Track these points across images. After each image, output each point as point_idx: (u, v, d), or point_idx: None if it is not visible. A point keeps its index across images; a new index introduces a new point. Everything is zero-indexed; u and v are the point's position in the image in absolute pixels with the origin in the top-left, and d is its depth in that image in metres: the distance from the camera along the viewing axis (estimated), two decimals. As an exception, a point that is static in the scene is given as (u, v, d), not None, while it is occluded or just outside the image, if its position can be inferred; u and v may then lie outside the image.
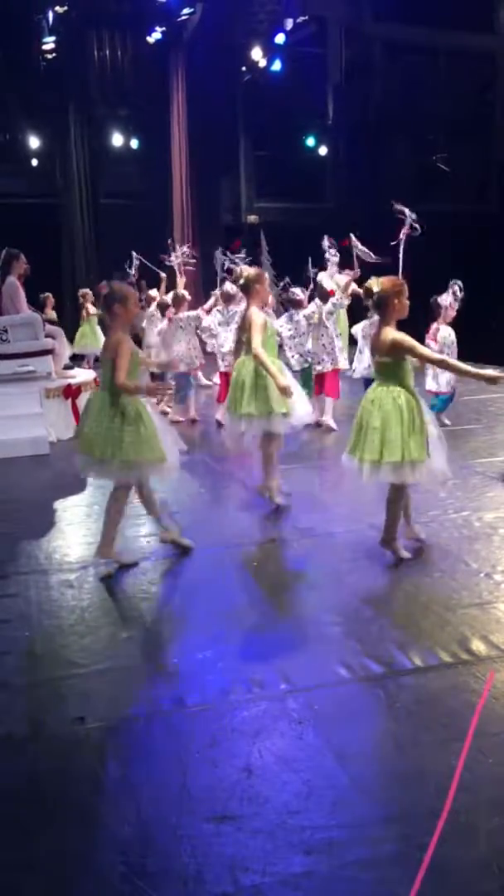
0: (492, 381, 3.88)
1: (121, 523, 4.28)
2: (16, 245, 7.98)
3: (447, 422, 7.25)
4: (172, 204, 15.79)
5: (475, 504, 5.11)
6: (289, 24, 14.72)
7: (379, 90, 17.18)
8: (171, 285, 9.61)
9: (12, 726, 2.79)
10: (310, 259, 8.22)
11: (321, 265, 8.77)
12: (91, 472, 4.39)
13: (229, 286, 7.83)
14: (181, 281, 9.53)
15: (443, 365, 4.34)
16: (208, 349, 8.79)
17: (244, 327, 4.98)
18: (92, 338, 12.40)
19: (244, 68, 15.95)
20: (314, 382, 7.63)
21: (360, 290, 4.72)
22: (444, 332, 7.13)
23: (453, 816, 2.19)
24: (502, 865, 2.04)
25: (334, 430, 7.38)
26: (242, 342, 5.06)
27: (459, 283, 7.07)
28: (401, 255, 5.63)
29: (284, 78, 15.75)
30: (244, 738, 2.63)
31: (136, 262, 10.43)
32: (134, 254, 10.47)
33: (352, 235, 7.27)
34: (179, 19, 14.80)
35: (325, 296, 7.62)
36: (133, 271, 10.49)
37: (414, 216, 5.96)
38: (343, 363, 7.83)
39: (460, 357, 6.55)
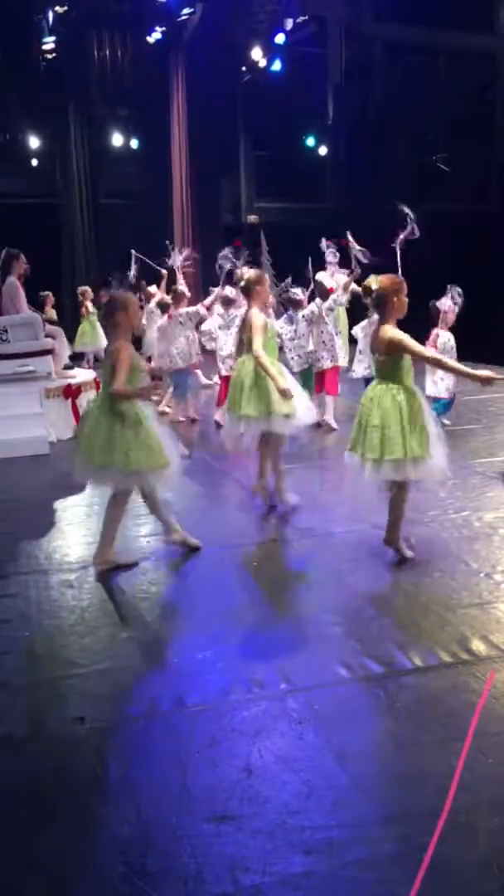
0: (486, 381, 3.88)
1: (121, 524, 4.28)
2: (16, 245, 7.98)
3: (447, 422, 7.24)
4: (172, 204, 15.80)
5: (475, 504, 5.11)
6: (289, 24, 14.70)
7: (379, 90, 17.15)
8: (171, 283, 9.60)
9: (12, 726, 2.79)
10: (310, 259, 8.22)
11: (321, 265, 8.76)
12: (90, 479, 4.37)
13: (229, 290, 7.83)
14: (181, 279, 9.52)
15: (437, 364, 4.34)
16: (208, 348, 8.79)
17: (245, 328, 4.98)
18: (92, 335, 12.38)
19: (244, 68, 15.93)
20: (314, 381, 7.63)
21: (360, 289, 4.72)
22: (443, 338, 7.11)
23: (453, 816, 2.19)
24: (502, 865, 2.04)
25: (335, 430, 7.39)
26: (243, 343, 5.06)
27: (459, 289, 7.06)
28: (398, 258, 5.63)
29: (284, 78, 15.74)
30: (244, 738, 2.63)
31: (135, 264, 10.41)
32: (133, 252, 10.46)
33: (348, 234, 7.26)
34: (179, 19, 14.80)
35: (324, 294, 7.63)
36: (133, 272, 10.48)
37: (413, 217, 5.95)
38: (343, 360, 7.82)
39: (461, 358, 6.56)
